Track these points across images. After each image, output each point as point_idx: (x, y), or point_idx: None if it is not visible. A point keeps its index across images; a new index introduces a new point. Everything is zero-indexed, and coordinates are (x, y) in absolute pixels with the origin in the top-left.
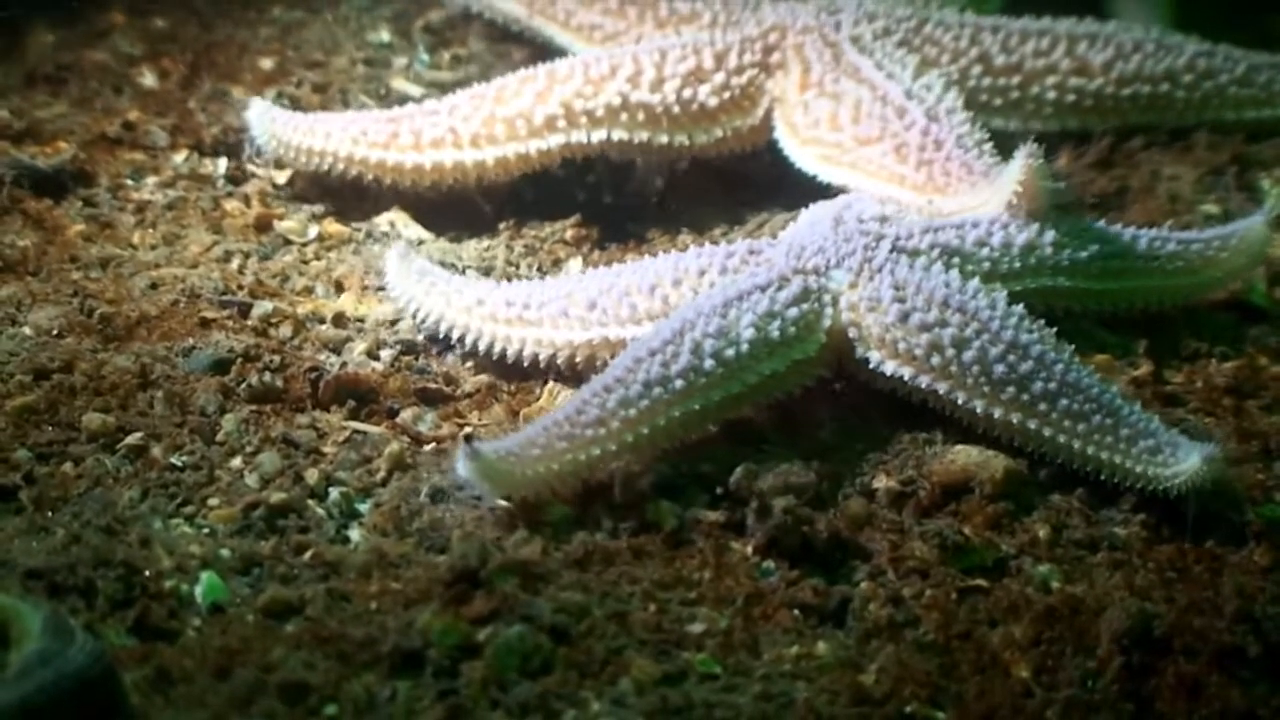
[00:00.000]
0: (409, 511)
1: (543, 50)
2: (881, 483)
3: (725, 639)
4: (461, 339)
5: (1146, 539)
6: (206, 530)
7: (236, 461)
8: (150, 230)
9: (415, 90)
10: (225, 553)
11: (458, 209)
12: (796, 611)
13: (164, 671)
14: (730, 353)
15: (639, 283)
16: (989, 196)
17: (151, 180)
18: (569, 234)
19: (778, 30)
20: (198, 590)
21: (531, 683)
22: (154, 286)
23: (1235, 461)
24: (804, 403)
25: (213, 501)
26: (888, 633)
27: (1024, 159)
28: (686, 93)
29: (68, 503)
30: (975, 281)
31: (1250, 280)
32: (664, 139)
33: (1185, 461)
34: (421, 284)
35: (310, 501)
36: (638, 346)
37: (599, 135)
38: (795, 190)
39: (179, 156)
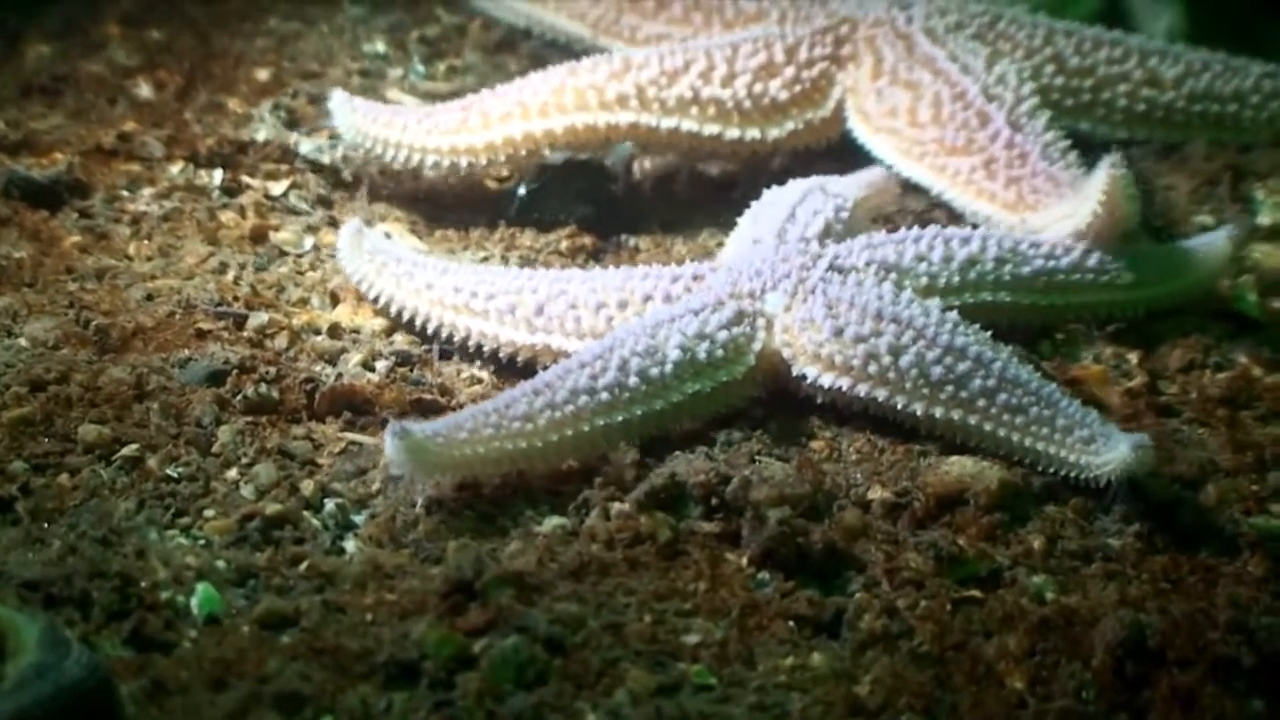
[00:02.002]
0: (404, 523)
1: (537, 61)
2: (876, 494)
3: (720, 650)
4: (411, 320)
5: (1141, 550)
6: (202, 541)
7: (232, 473)
8: (146, 241)
9: (411, 101)
10: (221, 564)
11: (453, 219)
12: (791, 622)
13: (160, 683)
14: (655, 371)
15: (586, 298)
16: (1073, 209)
17: (147, 191)
18: (564, 245)
19: (848, 23)
20: (193, 602)
21: (527, 694)
22: (150, 298)
23: (1229, 473)
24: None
25: (209, 513)
26: (882, 644)
27: (1107, 171)
28: (758, 87)
29: (64, 514)
30: (908, 293)
31: (1242, 290)
32: (735, 133)
33: (1116, 450)
34: (373, 263)
35: (306, 513)
36: (571, 359)
37: (669, 123)
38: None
39: (175, 168)
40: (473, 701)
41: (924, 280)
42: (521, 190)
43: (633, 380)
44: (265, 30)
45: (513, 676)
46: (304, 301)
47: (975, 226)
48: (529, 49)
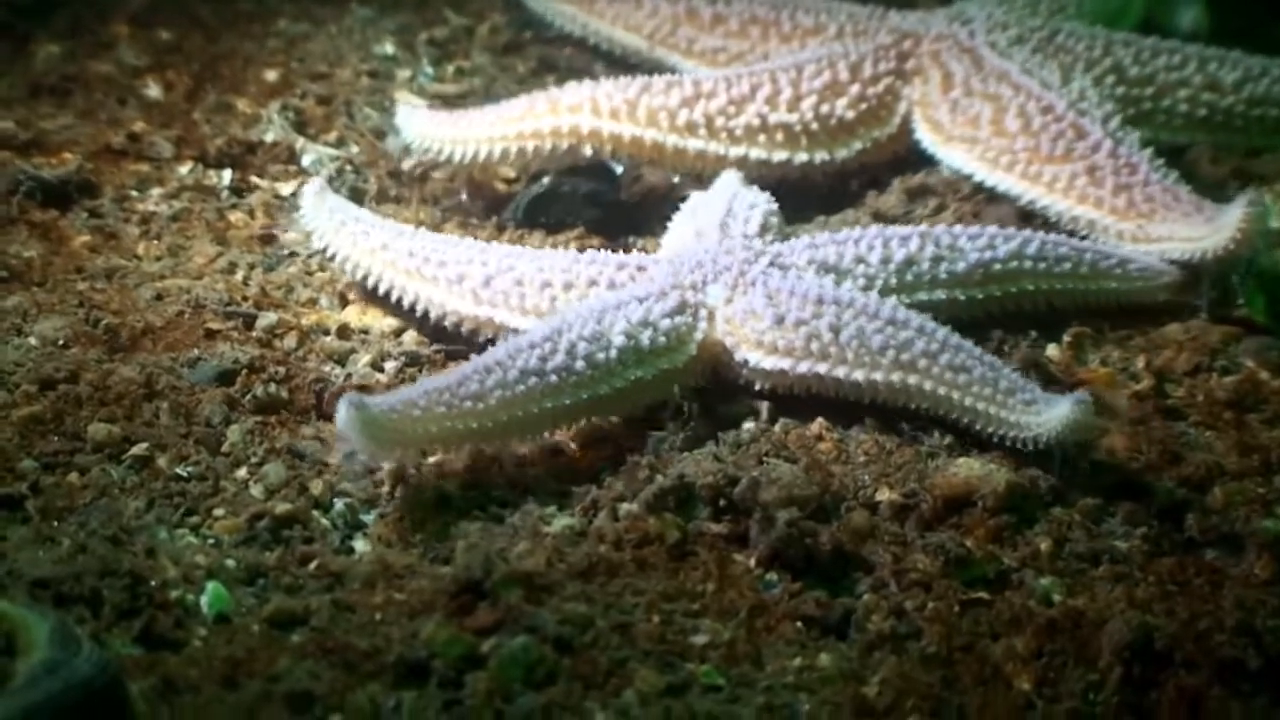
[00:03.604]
0: (413, 522)
1: (545, 63)
2: (884, 495)
3: (729, 650)
4: (364, 280)
5: (1148, 552)
6: (212, 540)
7: (242, 472)
8: (155, 241)
9: (420, 102)
10: (230, 563)
11: (461, 222)
12: (799, 623)
13: (170, 681)
14: (601, 356)
15: (534, 276)
16: (1207, 234)
17: (156, 191)
18: (572, 248)
19: (911, 38)
20: (203, 600)
21: (536, 694)
22: (159, 297)
23: (1236, 476)
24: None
25: (218, 512)
26: (890, 645)
27: (1247, 205)
28: (824, 108)
29: (73, 512)
30: (848, 284)
31: (1252, 294)
32: (804, 157)
33: (1057, 408)
34: (332, 221)
35: (315, 512)
36: (521, 338)
37: (738, 152)
38: (793, 202)
39: (184, 168)
40: (481, 701)
41: (862, 282)
42: (529, 193)
43: (579, 364)
44: (274, 31)
45: (521, 676)
46: (313, 302)
47: (1073, 234)
48: (537, 52)
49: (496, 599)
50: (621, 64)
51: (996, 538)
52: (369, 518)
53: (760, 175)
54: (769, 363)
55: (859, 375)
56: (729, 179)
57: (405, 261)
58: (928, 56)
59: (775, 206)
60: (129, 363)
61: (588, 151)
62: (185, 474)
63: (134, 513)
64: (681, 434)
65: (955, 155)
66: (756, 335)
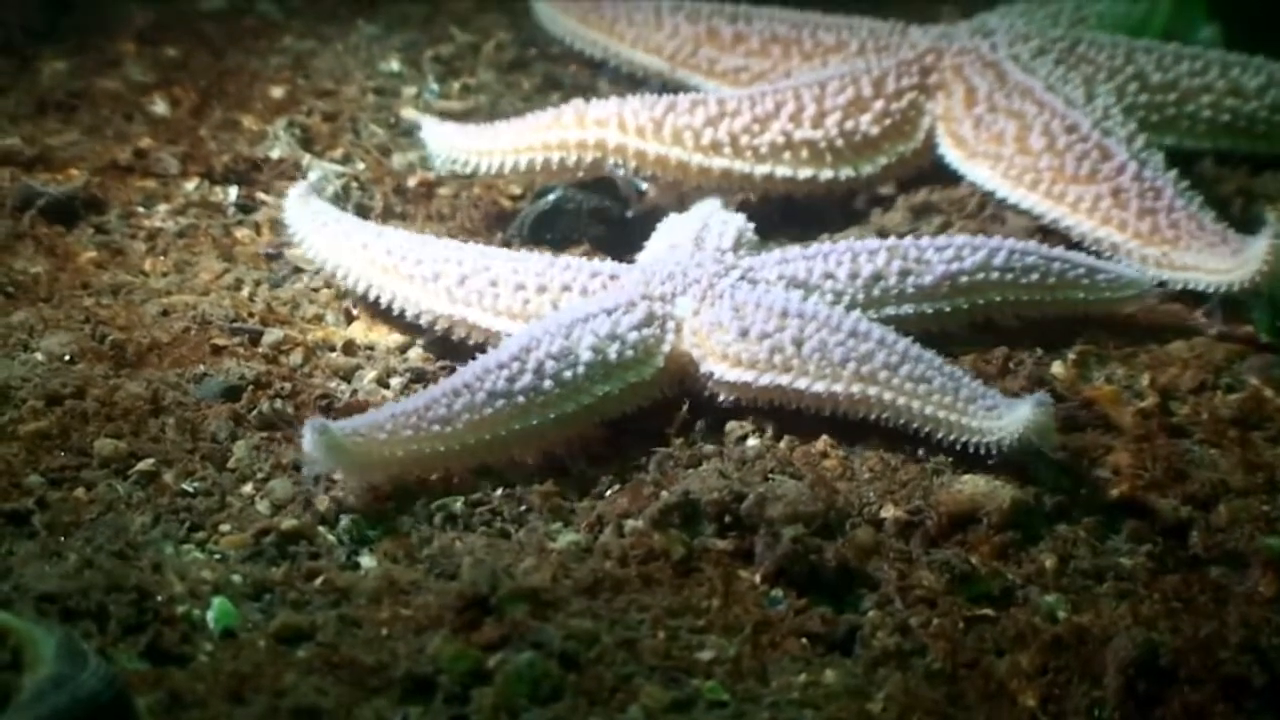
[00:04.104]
0: (419, 538)
1: (549, 80)
2: (889, 512)
3: (734, 666)
4: (345, 280)
5: (1152, 569)
6: (218, 556)
7: (248, 488)
8: (161, 257)
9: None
10: (237, 578)
11: (467, 239)
12: (804, 640)
13: (176, 696)
14: (569, 374)
15: (509, 277)
16: (1232, 266)
17: (163, 208)
18: None
19: (933, 53)
20: (210, 615)
21: (542, 709)
22: (165, 313)
23: (1241, 493)
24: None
25: (224, 527)
26: (895, 661)
27: (1274, 237)
28: (849, 124)
29: (80, 528)
30: (815, 298)
31: (1258, 313)
32: (829, 174)
33: (1018, 411)
34: (315, 222)
35: (321, 528)
36: (488, 357)
37: (763, 170)
38: (799, 220)
39: (190, 184)
40: (487, 716)
41: (830, 297)
42: (535, 209)
43: (547, 384)
44: (280, 48)
45: (527, 691)
46: (319, 318)
47: (1097, 255)
48: (542, 69)
49: (502, 614)
50: (626, 81)
51: (1001, 554)
52: (374, 533)
53: (768, 191)
54: (733, 375)
55: (820, 387)
56: (709, 202)
57: (383, 259)
58: (950, 71)
59: (751, 226)
60: (135, 379)
61: (612, 165)
62: (191, 490)
63: (140, 528)
64: (687, 450)
65: (979, 171)
66: (722, 348)
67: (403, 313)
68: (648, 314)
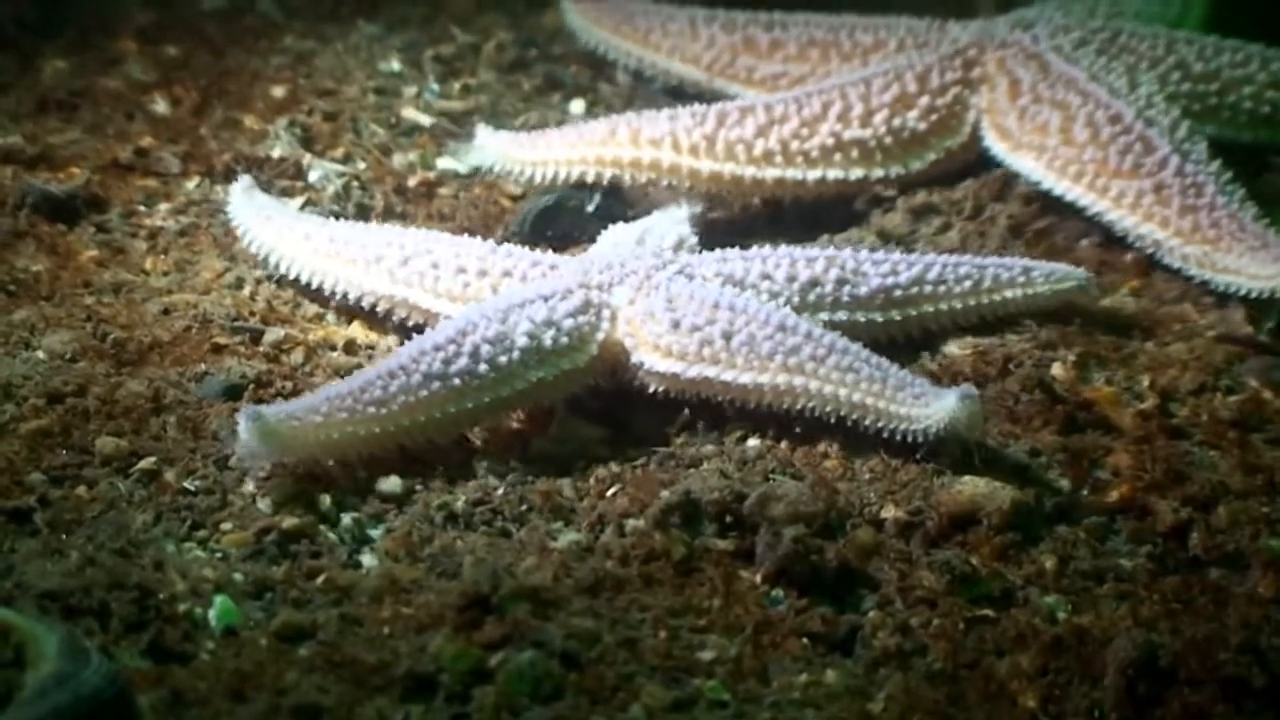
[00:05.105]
0: (420, 537)
1: (550, 81)
2: (890, 513)
3: (735, 666)
4: (288, 271)
5: (1152, 571)
6: (220, 554)
7: (249, 486)
8: (162, 256)
9: (425, 119)
10: (238, 577)
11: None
12: (805, 640)
13: (178, 694)
14: (504, 359)
15: (450, 260)
16: (1273, 274)
17: (164, 206)
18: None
19: (975, 46)
20: (211, 613)
21: (543, 708)
22: (166, 312)
23: (1240, 495)
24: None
25: (226, 526)
26: (896, 661)
27: None
28: (896, 121)
29: (82, 526)
30: (749, 294)
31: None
32: (879, 172)
33: (944, 401)
34: (259, 215)
35: (323, 527)
36: (425, 339)
37: (815, 175)
38: (801, 223)
39: (191, 183)
40: (489, 715)
41: (765, 297)
42: (535, 206)
43: (483, 368)
44: (281, 48)
45: (529, 690)
46: (320, 317)
47: (1140, 250)
48: (543, 70)
49: (504, 613)
50: (626, 86)
51: (1002, 555)
52: (376, 532)
53: (820, 195)
54: (663, 366)
55: (746, 379)
56: (672, 209)
57: (327, 247)
58: (993, 64)
59: (695, 235)
60: (137, 377)
61: (665, 184)
62: (193, 488)
63: (142, 526)
64: (688, 450)
65: (1024, 162)
66: (654, 338)
67: (345, 296)
68: (584, 302)
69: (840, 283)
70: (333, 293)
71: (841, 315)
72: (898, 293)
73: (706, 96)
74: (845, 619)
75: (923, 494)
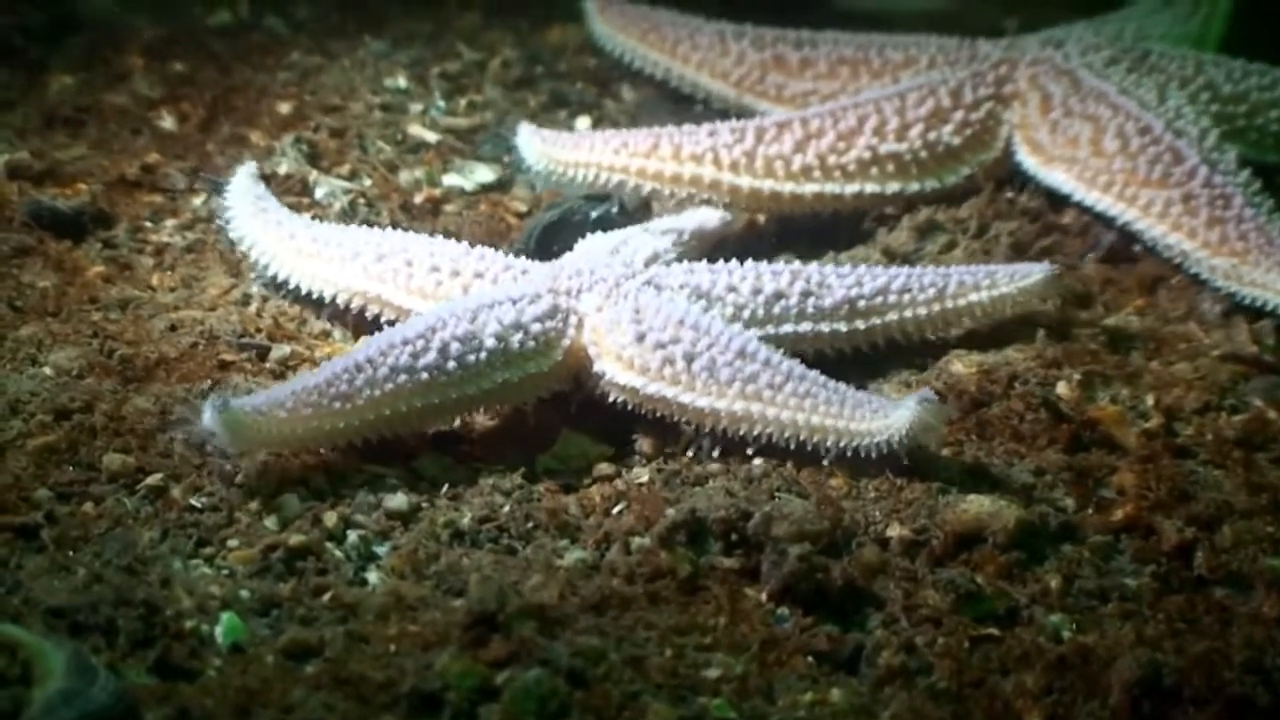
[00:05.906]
0: (426, 555)
1: (556, 97)
2: (895, 531)
3: (741, 684)
4: (266, 266)
5: (1157, 590)
6: (226, 571)
7: (255, 504)
8: (169, 272)
9: (432, 136)
10: (245, 594)
11: None
12: (811, 658)
13: (185, 711)
14: (471, 358)
15: (424, 259)
16: None
17: (170, 223)
18: None
19: (1006, 63)
20: (218, 630)
21: None
22: (173, 328)
23: (1245, 514)
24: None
25: (232, 543)
26: (901, 680)
27: None
28: (931, 135)
29: (89, 542)
30: (715, 311)
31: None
32: (915, 186)
33: (904, 408)
34: (253, 206)
35: (329, 544)
36: (394, 333)
37: (853, 189)
38: (808, 240)
39: (198, 199)
40: None
41: (730, 310)
42: (541, 220)
43: (450, 365)
44: (287, 64)
45: (534, 708)
46: (326, 334)
47: (1168, 260)
48: (549, 86)
49: (510, 631)
50: (628, 91)
51: (1007, 574)
52: (382, 550)
53: (857, 209)
54: (623, 378)
55: (704, 403)
56: (656, 221)
57: (308, 247)
58: (1025, 80)
59: (675, 246)
60: (143, 393)
61: (701, 199)
62: (199, 505)
63: (149, 543)
64: (694, 468)
65: (1056, 176)
66: (618, 349)
67: (322, 295)
68: (552, 306)
69: (805, 295)
70: (309, 292)
71: (806, 327)
72: (862, 303)
73: (725, 113)
74: (850, 637)
75: (928, 513)
